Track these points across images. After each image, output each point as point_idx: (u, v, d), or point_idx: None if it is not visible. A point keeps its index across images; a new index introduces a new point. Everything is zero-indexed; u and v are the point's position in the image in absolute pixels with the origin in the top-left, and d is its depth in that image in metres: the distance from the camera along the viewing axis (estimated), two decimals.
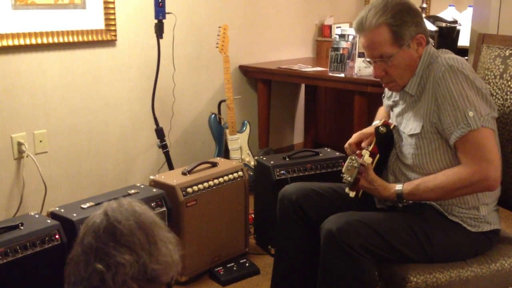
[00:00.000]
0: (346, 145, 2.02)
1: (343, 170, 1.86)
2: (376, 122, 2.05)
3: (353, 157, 1.83)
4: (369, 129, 2.00)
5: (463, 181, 1.66)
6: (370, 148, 1.87)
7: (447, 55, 1.77)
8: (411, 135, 1.78)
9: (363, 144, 1.97)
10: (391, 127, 1.89)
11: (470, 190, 1.70)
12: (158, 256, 1.22)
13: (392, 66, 1.77)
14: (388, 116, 2.04)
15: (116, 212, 1.23)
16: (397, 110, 1.90)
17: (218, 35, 3.42)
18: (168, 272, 1.24)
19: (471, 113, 1.65)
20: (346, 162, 1.85)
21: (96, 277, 1.18)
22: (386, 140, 1.87)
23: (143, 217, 1.25)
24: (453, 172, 1.69)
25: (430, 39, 1.86)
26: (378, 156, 1.85)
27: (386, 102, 2.02)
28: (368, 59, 1.84)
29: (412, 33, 1.75)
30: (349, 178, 1.81)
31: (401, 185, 1.76)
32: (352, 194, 1.85)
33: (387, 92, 2.02)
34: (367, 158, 1.80)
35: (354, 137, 2.01)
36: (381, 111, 2.13)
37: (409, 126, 1.80)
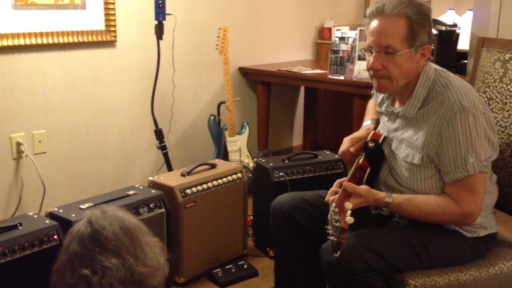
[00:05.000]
0: (341, 153, 1.95)
1: (329, 217, 1.65)
2: (367, 123, 2.01)
3: (336, 210, 1.62)
4: (360, 133, 1.96)
5: (449, 215, 1.70)
6: (360, 161, 1.82)
7: (458, 89, 1.68)
8: (407, 162, 1.74)
9: (351, 149, 1.91)
10: (380, 140, 1.83)
11: (449, 222, 1.74)
12: (145, 260, 1.23)
13: (393, 63, 1.67)
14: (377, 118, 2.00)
15: (100, 219, 1.24)
16: (389, 124, 1.84)
17: (218, 37, 3.42)
18: (155, 276, 1.25)
19: (471, 160, 1.64)
20: (330, 211, 1.65)
21: (83, 283, 1.18)
22: (376, 154, 1.82)
23: (127, 222, 1.26)
24: (444, 204, 1.69)
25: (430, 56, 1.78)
26: (369, 170, 1.80)
27: (378, 108, 1.95)
28: (368, 48, 1.71)
29: (423, 40, 1.68)
30: (333, 238, 1.59)
31: (391, 197, 1.71)
32: (335, 255, 1.62)
33: (378, 96, 1.94)
34: (349, 218, 1.58)
35: (348, 143, 1.93)
36: (371, 106, 2.08)
37: (404, 151, 1.75)
